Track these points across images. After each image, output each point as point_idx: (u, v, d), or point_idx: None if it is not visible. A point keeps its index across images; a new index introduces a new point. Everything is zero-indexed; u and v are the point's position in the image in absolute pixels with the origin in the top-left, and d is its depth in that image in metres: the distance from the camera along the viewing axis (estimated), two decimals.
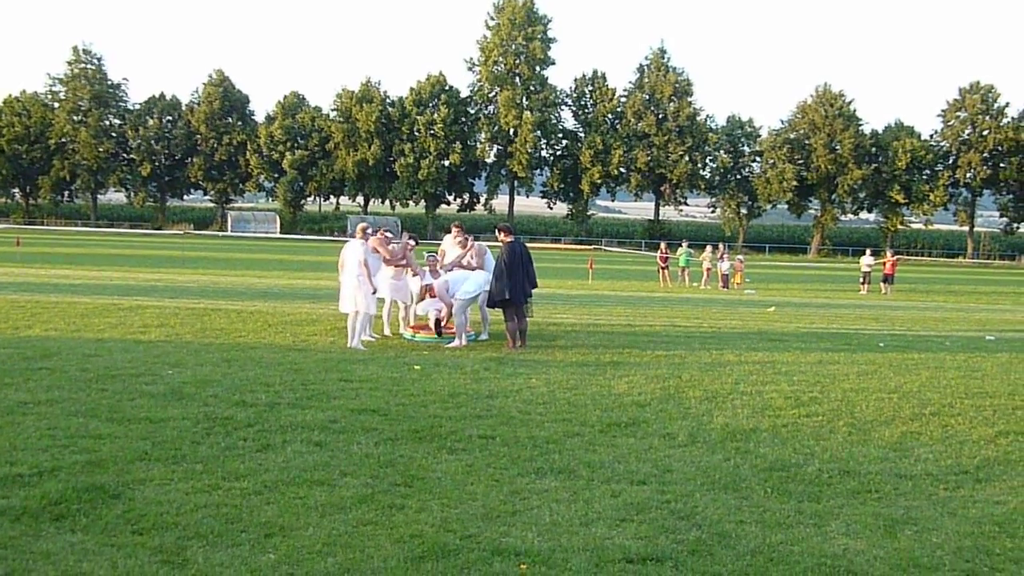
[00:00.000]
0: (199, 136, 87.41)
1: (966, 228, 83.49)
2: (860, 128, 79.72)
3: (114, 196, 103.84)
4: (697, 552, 4.99)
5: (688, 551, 5.00)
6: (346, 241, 14.40)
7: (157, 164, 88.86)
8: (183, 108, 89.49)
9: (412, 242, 14.42)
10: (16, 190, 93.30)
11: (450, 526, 5.26)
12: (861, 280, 32.91)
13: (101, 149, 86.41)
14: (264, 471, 6.20)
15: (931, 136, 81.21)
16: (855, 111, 79.90)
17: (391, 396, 8.94)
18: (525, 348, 12.81)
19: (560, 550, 4.94)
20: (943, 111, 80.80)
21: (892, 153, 77.22)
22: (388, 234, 13.96)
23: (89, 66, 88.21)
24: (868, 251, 34.69)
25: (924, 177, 79.01)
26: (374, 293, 12.76)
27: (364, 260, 12.49)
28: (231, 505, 5.49)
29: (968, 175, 78.27)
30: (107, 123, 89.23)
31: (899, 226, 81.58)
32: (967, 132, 78.84)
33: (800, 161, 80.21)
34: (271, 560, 4.68)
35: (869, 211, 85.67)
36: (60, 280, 23.11)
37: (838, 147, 78.18)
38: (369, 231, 13.09)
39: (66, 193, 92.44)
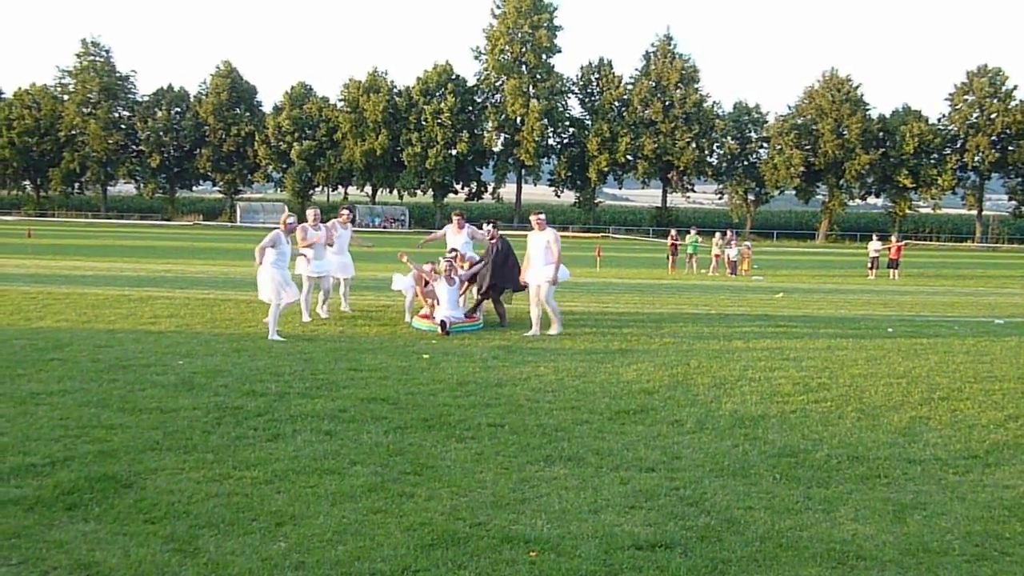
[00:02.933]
0: (207, 127, 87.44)
1: (975, 212, 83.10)
2: (867, 113, 79.24)
3: (124, 187, 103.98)
4: (706, 538, 5.01)
5: (697, 537, 5.02)
6: (347, 233, 14.59)
7: (166, 155, 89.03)
8: (191, 99, 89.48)
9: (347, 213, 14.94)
10: (27, 182, 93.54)
11: (459, 514, 5.29)
12: (869, 265, 32.78)
13: (110, 141, 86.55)
14: (274, 460, 6.24)
15: (939, 120, 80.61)
16: (862, 96, 79.42)
17: (400, 385, 8.97)
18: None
19: (569, 537, 4.96)
20: (951, 95, 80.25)
21: (900, 138, 76.83)
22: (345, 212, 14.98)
23: (98, 58, 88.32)
24: (875, 236, 34.57)
25: (932, 161, 78.56)
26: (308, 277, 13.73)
27: (262, 247, 12.42)
28: (242, 494, 5.53)
29: (976, 159, 77.78)
30: (116, 115, 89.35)
31: (907, 211, 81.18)
32: (975, 115, 78.25)
33: (807, 147, 79.85)
34: (282, 548, 4.71)
35: (877, 196, 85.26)
36: (71, 271, 23.21)
37: (845, 132, 77.81)
38: (290, 221, 12.98)
39: (76, 185, 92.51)
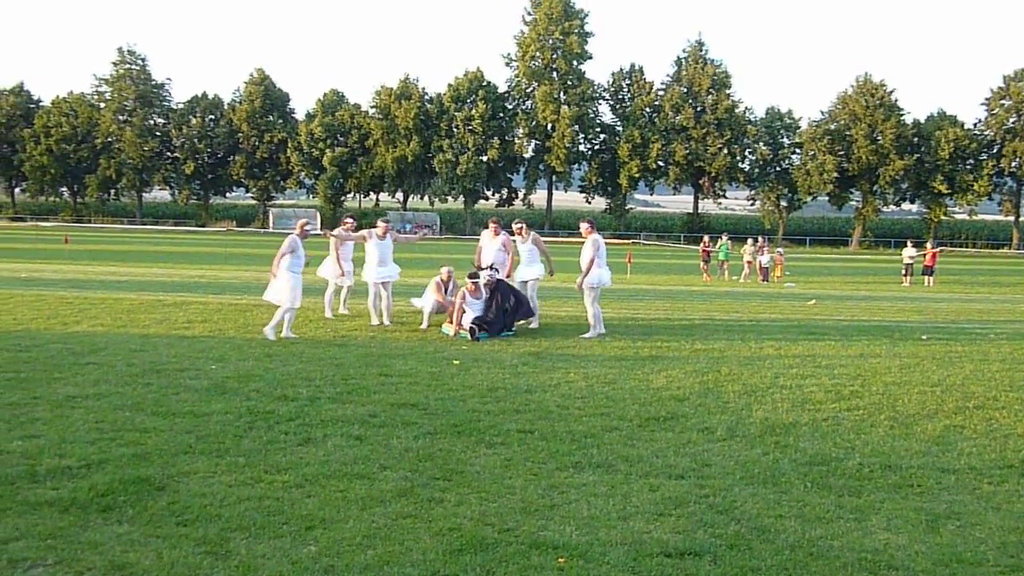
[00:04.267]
0: (241, 134, 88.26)
1: (1011, 218, 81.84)
2: (902, 118, 78.37)
3: (159, 194, 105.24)
4: (736, 546, 4.98)
5: (727, 545, 4.99)
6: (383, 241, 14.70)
7: (200, 162, 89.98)
8: (225, 107, 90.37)
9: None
10: (64, 189, 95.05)
11: (488, 519, 5.30)
12: (903, 272, 32.48)
13: (146, 148, 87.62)
14: (305, 464, 6.29)
15: (975, 125, 79.61)
16: (896, 101, 78.57)
17: (430, 391, 9.00)
18: None
19: (598, 544, 4.96)
20: (987, 99, 79.13)
21: (935, 143, 75.91)
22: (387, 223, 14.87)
23: (134, 67, 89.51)
24: (910, 242, 34.21)
25: (968, 167, 77.59)
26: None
27: (283, 254, 12.68)
28: (273, 498, 5.58)
29: (1013, 164, 76.61)
30: (151, 122, 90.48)
31: (943, 217, 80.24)
32: (1012, 120, 77.06)
33: (841, 152, 79.11)
34: (312, 552, 4.75)
35: (912, 202, 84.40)
36: (107, 277, 23.50)
37: (879, 138, 77.01)
38: (307, 227, 13.19)
39: (112, 191, 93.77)
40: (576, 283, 13.64)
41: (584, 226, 13.97)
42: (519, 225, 15.03)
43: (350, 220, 15.85)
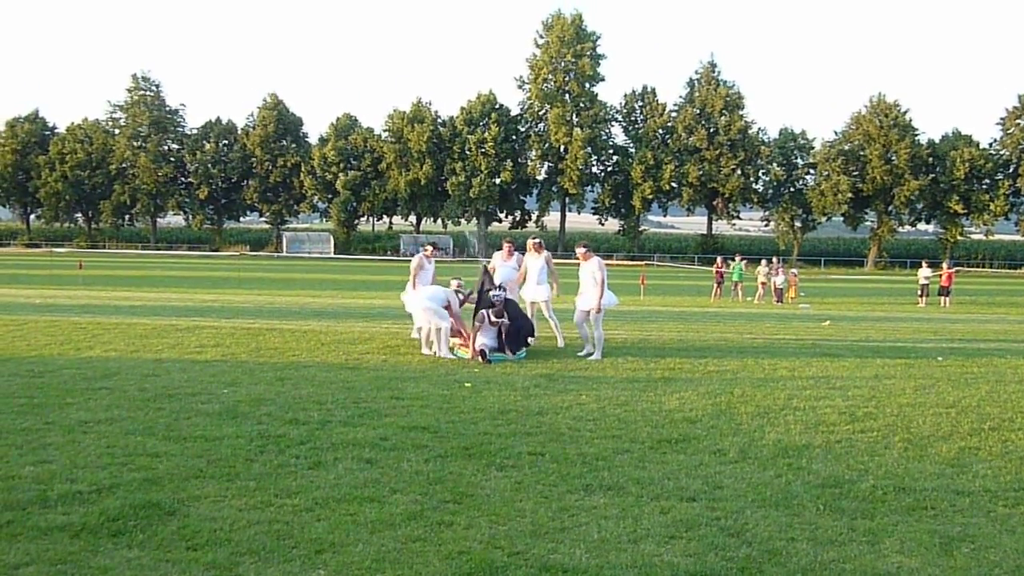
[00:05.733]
0: (254, 159, 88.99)
1: None
2: (916, 138, 78.32)
3: (173, 219, 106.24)
4: (747, 570, 4.94)
5: (738, 569, 4.95)
6: (409, 259, 14.83)
7: (214, 187, 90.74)
8: (239, 132, 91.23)
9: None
10: (79, 215, 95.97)
11: (498, 543, 5.28)
12: (919, 293, 32.31)
13: (160, 173, 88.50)
14: (316, 488, 6.28)
15: (990, 145, 79.42)
16: (911, 121, 78.51)
17: (441, 413, 8.99)
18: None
19: (608, 567, 4.93)
20: (1002, 119, 78.96)
21: (950, 163, 75.77)
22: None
23: (148, 93, 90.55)
24: (925, 263, 34.06)
25: (984, 187, 77.36)
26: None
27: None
28: (283, 521, 5.57)
29: None
30: (166, 148, 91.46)
31: (959, 237, 79.98)
32: None
33: (855, 173, 79.06)
34: None
35: (927, 222, 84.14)
36: (120, 302, 23.63)
37: (894, 158, 76.91)
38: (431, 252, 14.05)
39: (126, 217, 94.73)
40: (594, 307, 13.37)
41: (581, 250, 13.84)
42: (536, 240, 15.02)
43: (431, 247, 15.62)
